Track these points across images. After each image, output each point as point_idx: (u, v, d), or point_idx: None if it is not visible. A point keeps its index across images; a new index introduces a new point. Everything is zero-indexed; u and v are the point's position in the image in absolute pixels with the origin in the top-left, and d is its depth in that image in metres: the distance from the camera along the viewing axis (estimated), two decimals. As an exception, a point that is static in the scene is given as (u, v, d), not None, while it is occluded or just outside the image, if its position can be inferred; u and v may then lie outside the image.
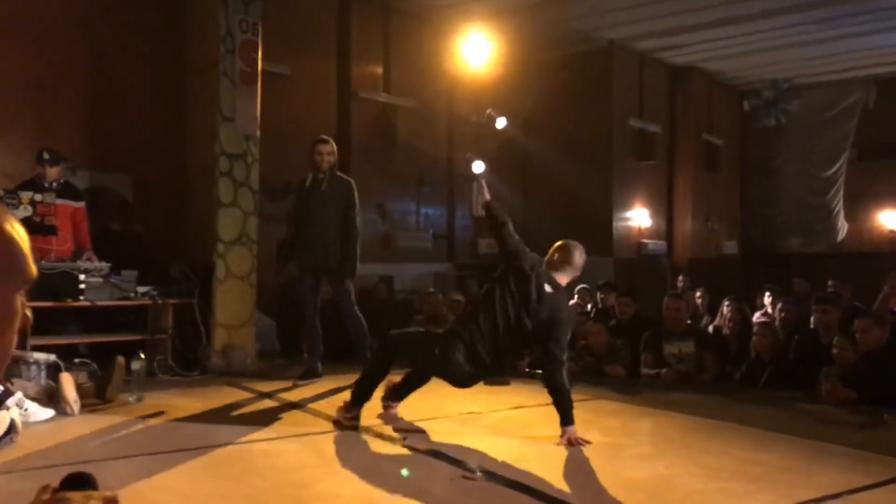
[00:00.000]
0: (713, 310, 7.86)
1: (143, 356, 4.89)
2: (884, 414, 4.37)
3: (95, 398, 4.74)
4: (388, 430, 4.04)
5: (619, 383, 5.68)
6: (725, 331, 6.25)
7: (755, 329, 5.79)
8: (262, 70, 6.96)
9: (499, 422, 4.21)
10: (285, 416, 4.53)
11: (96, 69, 7.60)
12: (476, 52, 10.18)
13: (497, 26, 10.20)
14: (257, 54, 6.87)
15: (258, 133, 6.86)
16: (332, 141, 5.84)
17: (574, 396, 5.06)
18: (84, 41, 7.56)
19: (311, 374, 5.71)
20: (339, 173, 5.85)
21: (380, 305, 8.13)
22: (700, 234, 14.16)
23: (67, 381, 4.44)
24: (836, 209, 14.79)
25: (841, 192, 14.73)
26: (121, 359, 4.89)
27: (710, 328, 6.99)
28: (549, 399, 4.92)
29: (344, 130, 9.92)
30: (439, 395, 5.15)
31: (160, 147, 7.74)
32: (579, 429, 4.11)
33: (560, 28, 11.35)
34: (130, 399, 4.79)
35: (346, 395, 5.14)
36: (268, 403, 4.94)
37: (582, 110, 12.27)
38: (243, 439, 3.85)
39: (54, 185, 6.05)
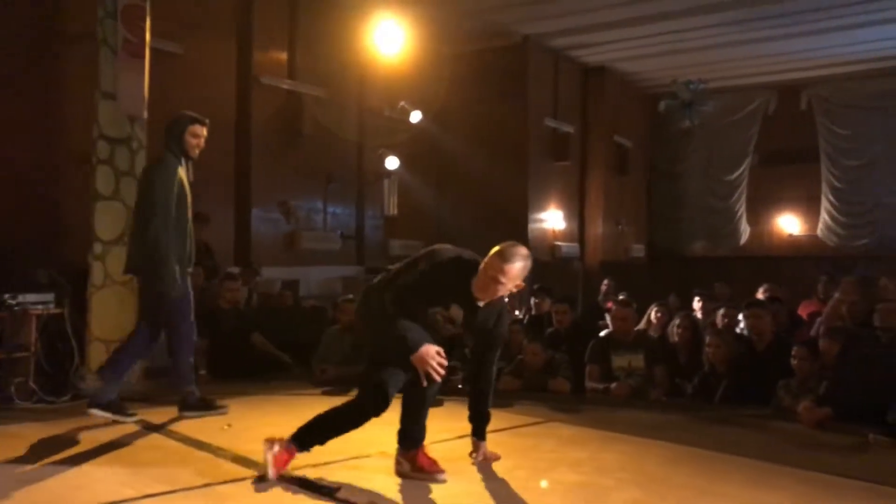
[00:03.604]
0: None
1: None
2: (868, 434, 3.97)
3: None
4: (314, 475, 3.25)
5: (565, 400, 5.09)
6: (674, 338, 5.79)
7: (708, 339, 5.34)
8: (151, 47, 5.99)
9: (445, 456, 3.49)
10: (180, 457, 3.64)
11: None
12: (389, 41, 9.50)
13: (411, 14, 9.54)
14: (145, 23, 5.88)
15: (146, 115, 5.88)
16: None
17: (522, 419, 4.53)
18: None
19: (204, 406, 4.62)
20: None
21: (286, 314, 7.28)
22: (610, 236, 13.99)
23: None
24: (739, 213, 14.99)
25: (744, 197, 14.93)
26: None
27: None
28: (500, 425, 4.31)
29: (244, 119, 8.99)
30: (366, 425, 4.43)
31: (24, 129, 6.60)
32: (543, 461, 3.53)
33: (475, 20, 10.91)
34: (-26, 438, 3.79)
35: (251, 422, 4.37)
36: (157, 439, 4.03)
37: (498, 107, 11.78)
38: (125, 495, 2.96)
39: None
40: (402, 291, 3.20)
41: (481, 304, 3.31)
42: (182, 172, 4.55)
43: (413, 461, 3.34)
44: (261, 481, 3.14)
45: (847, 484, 3.22)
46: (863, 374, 4.52)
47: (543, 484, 3.19)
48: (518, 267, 3.21)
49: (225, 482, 3.17)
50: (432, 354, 3.13)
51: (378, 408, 3.23)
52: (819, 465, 3.46)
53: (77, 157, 6.01)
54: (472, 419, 3.59)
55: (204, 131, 4.65)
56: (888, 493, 3.09)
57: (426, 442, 3.42)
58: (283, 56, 9.45)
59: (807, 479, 3.26)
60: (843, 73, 13.33)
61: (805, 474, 3.33)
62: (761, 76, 13.84)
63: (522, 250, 3.26)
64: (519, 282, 3.28)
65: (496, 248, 3.23)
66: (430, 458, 3.35)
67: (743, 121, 14.73)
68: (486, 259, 3.22)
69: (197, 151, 4.63)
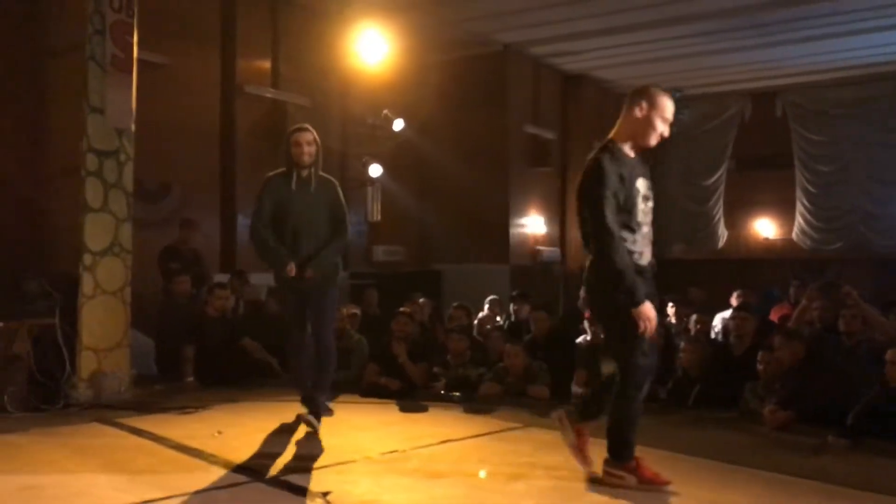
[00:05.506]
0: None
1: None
2: (827, 436, 4.19)
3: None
4: (303, 481, 3.41)
5: (545, 406, 5.27)
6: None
7: (682, 345, 5.55)
8: (137, 59, 6.12)
9: (428, 461, 3.68)
10: (174, 463, 3.79)
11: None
12: (371, 50, 9.67)
13: (393, 23, 9.71)
14: (132, 38, 6.01)
15: (133, 127, 6.01)
16: (312, 129, 4.79)
17: (502, 424, 4.72)
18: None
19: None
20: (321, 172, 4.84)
21: (271, 321, 7.40)
22: (590, 241, 14.20)
23: None
24: (717, 217, 15.27)
25: (721, 201, 15.22)
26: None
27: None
28: (480, 430, 4.47)
29: (228, 128, 9.11)
30: (349, 429, 4.59)
31: (12, 142, 6.71)
32: (520, 466, 3.69)
33: (455, 29, 11.05)
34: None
35: (241, 429, 4.51)
36: (148, 445, 4.17)
37: (478, 114, 11.96)
38: (124, 501, 3.11)
39: None
40: (610, 218, 3.36)
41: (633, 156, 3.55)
42: (290, 182, 4.68)
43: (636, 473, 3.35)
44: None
45: (802, 484, 3.43)
46: (826, 378, 4.74)
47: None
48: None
49: (219, 488, 3.33)
50: (651, 317, 3.26)
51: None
52: (778, 466, 3.68)
53: (65, 169, 6.12)
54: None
55: (304, 137, 4.69)
56: (838, 493, 3.31)
57: (410, 446, 3.59)
58: (267, 65, 9.59)
59: (765, 480, 3.48)
60: (815, 80, 13.64)
61: (764, 475, 3.54)
62: (737, 84, 14.12)
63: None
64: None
65: (650, 97, 3.49)
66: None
67: (719, 127, 15.00)
68: (649, 106, 3.47)
69: (306, 158, 4.65)
